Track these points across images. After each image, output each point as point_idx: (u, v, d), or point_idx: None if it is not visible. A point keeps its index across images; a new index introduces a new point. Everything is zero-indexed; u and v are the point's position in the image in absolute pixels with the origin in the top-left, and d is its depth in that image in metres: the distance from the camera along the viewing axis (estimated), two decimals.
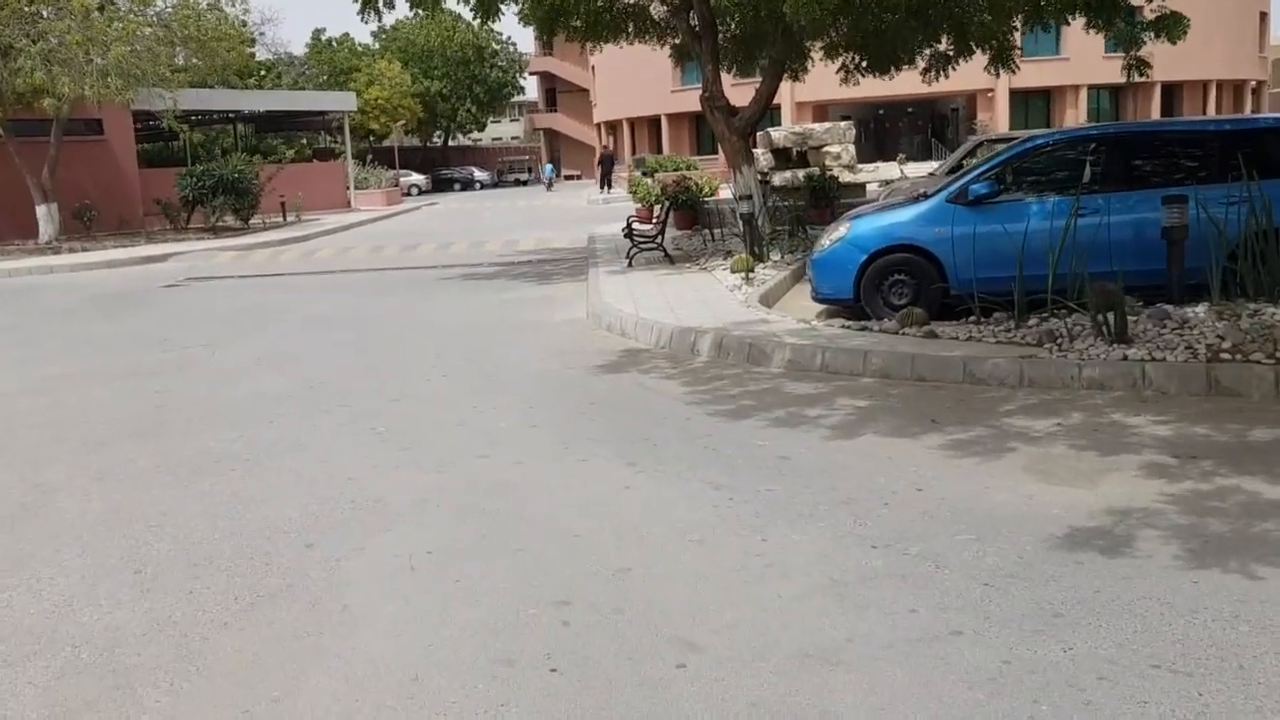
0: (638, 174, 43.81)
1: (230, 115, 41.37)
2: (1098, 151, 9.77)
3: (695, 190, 21.53)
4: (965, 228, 9.34)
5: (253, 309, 14.15)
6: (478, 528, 5.06)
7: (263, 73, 54.75)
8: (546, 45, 77.54)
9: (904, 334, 8.48)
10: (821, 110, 49.77)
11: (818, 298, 10.32)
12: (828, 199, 19.55)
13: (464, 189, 64.43)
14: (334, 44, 67.80)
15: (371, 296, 14.83)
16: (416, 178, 60.29)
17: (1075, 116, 47.93)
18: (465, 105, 70.40)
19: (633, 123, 58.85)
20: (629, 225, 15.63)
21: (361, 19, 14.85)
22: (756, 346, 8.47)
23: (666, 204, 16.97)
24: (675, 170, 46.12)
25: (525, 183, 70.10)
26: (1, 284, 19.52)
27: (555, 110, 78.33)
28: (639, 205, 24.42)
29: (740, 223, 14.58)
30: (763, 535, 4.76)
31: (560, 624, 3.98)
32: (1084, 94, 48.01)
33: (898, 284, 9.73)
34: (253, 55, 35.23)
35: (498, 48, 72.87)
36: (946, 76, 17.78)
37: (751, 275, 12.26)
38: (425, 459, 6.28)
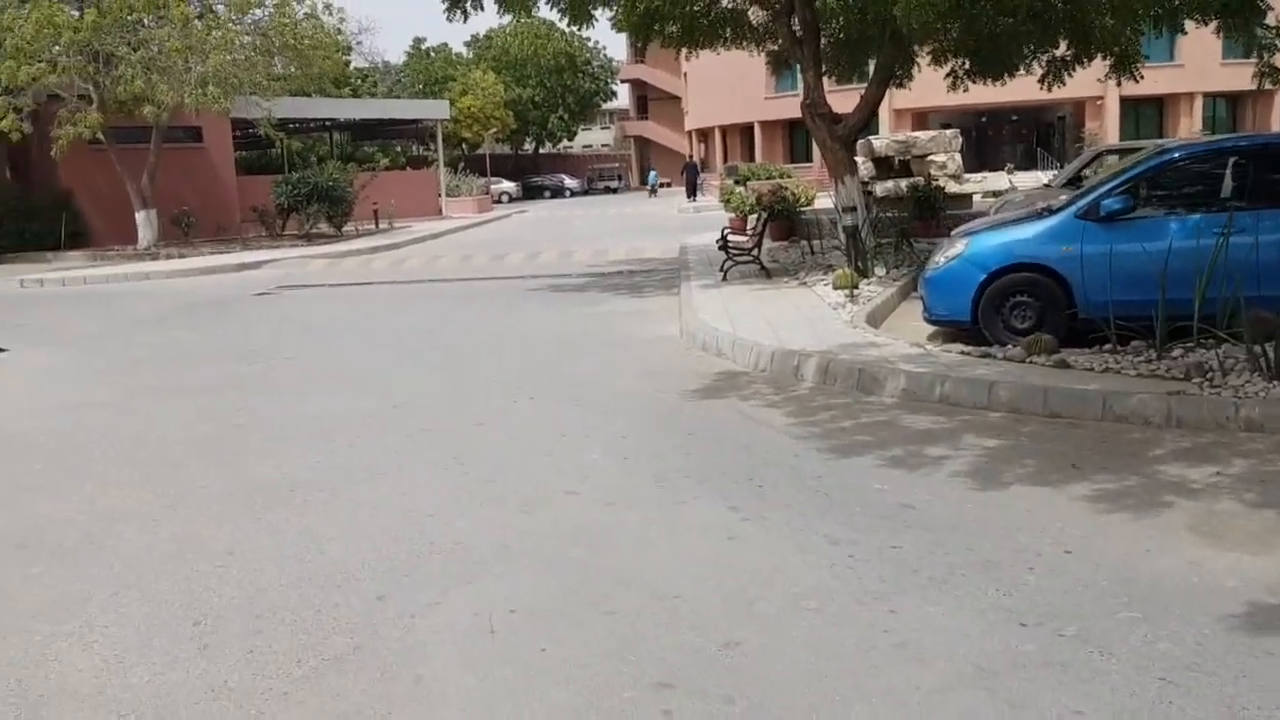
0: (729, 182, 43.30)
1: (326, 123, 41.83)
2: (1244, 164, 8.91)
3: (791, 200, 20.88)
4: (1097, 246, 8.58)
5: (340, 319, 13.92)
6: (566, 582, 4.54)
7: (358, 81, 55.42)
8: (639, 52, 77.38)
9: (1032, 363, 7.76)
10: (921, 118, 48.56)
11: (930, 319, 9.62)
12: (933, 211, 18.73)
13: (554, 196, 64.48)
14: (430, 53, 68.48)
15: (459, 307, 14.50)
16: (507, 185, 60.48)
17: (1189, 126, 45.91)
18: (557, 113, 70.52)
19: (725, 130, 58.26)
20: (723, 236, 15.04)
21: (448, 18, 14.56)
22: (867, 373, 7.83)
23: (763, 215, 16.31)
24: (768, 179, 45.66)
25: (615, 190, 69.92)
26: (99, 290, 19.71)
27: (646, 118, 78.08)
28: (732, 215, 23.85)
29: (842, 235, 13.91)
30: (891, 605, 4.15)
31: (662, 715, 3.43)
32: (1199, 102, 45.95)
33: (1020, 306, 9.00)
34: (349, 64, 35.48)
35: (590, 55, 72.89)
36: (1063, 83, 16.85)
37: (856, 292, 11.59)
38: (509, 495, 5.80)
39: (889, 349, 8.60)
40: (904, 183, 20.94)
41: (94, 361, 11.26)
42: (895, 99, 48.47)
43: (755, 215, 20.71)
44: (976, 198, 22.49)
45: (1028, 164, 43.77)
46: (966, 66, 16.03)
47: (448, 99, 50.58)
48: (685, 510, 5.39)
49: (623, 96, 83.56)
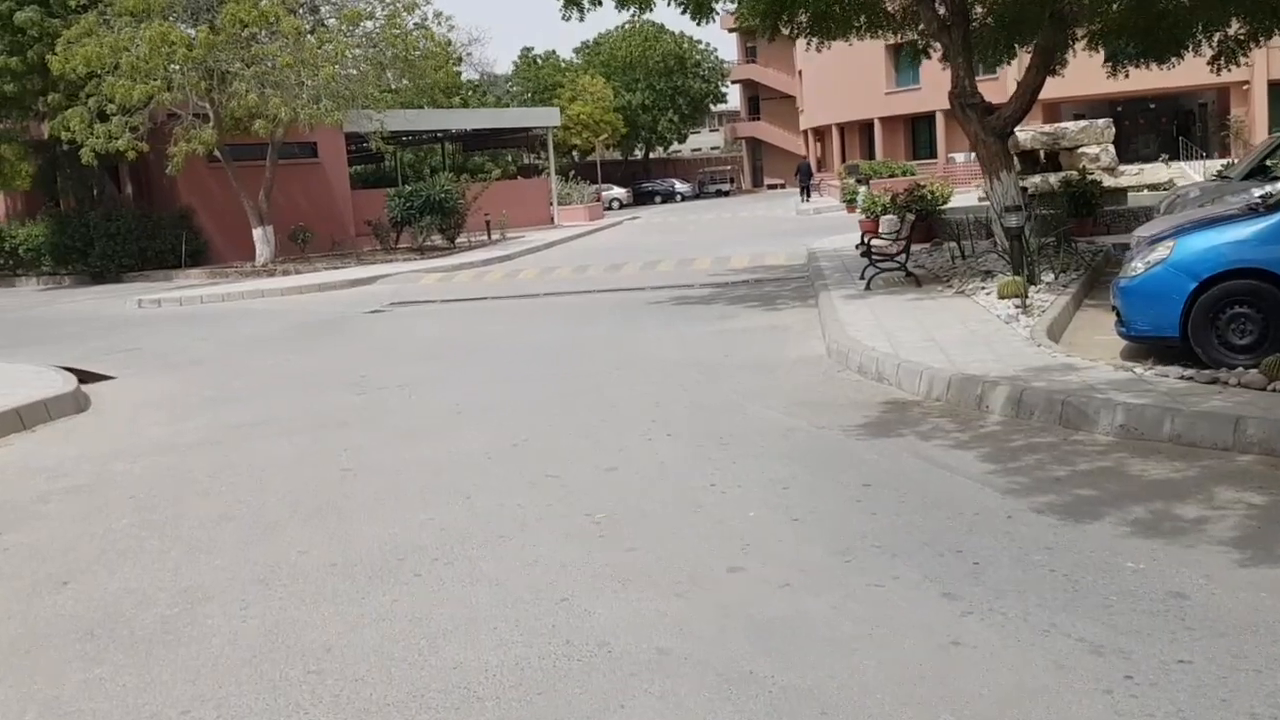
0: (851, 181, 41.71)
1: (438, 135, 41.68)
2: None
3: (930, 199, 19.47)
4: None
5: (453, 340, 13.11)
6: (749, 711, 3.47)
7: (469, 91, 55.44)
8: (749, 53, 76.18)
9: (1275, 390, 6.41)
10: (1052, 109, 46.12)
11: (1129, 335, 8.28)
12: (1090, 207, 17.17)
13: (665, 201, 63.60)
14: (539, 61, 68.34)
15: (577, 324, 13.57)
16: (617, 191, 59.80)
17: None
18: (667, 116, 69.65)
19: (843, 128, 56.56)
20: (865, 242, 13.79)
21: (564, 17, 13.69)
22: (1073, 405, 6.57)
23: (909, 217, 14.97)
24: (890, 176, 43.99)
25: (727, 193, 68.74)
26: (214, 309, 19.43)
27: (758, 118, 76.73)
28: (862, 216, 22.51)
29: (1001, 237, 12.55)
30: None
31: None
32: None
33: (1238, 319, 7.62)
34: (459, 74, 35.17)
35: (700, 57, 71.88)
36: (1238, 64, 15.18)
37: (1026, 302, 10.26)
38: (657, 570, 4.76)
39: (1090, 373, 7.31)
40: (1053, 178, 19.35)
41: (201, 391, 10.64)
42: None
43: (893, 216, 19.40)
44: (1136, 192, 20.71)
45: (1165, 155, 41.15)
46: (1131, 48, 14.46)
47: (557, 106, 50.05)
48: (886, 598, 4.27)
49: (733, 99, 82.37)
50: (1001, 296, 10.72)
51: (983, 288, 11.76)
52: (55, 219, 28.08)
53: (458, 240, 30.06)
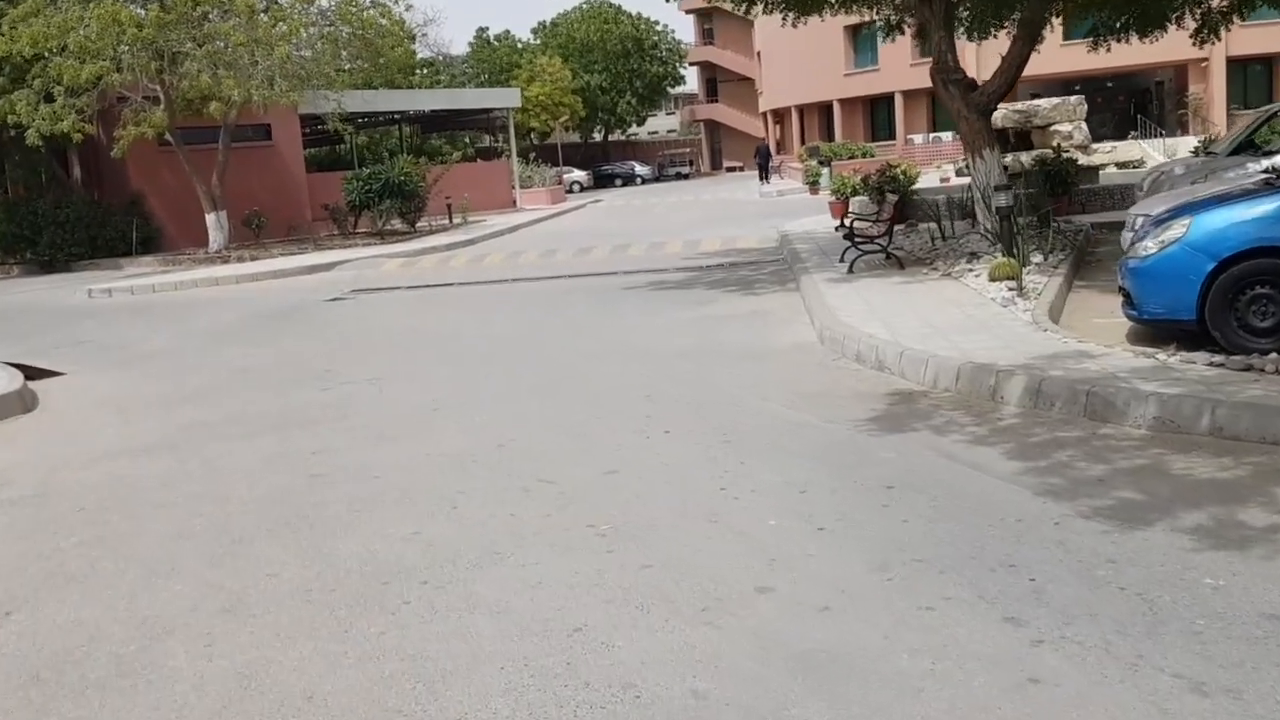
0: (813, 164, 41.33)
1: (395, 116, 40.76)
2: None
3: (903, 180, 19.09)
4: None
5: (423, 330, 12.53)
6: None
7: (423, 72, 54.40)
8: (706, 34, 75.56)
9: None
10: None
11: (1141, 317, 7.89)
12: (1065, 186, 16.88)
13: (625, 184, 62.98)
14: (494, 41, 67.29)
15: (553, 311, 13.03)
16: (578, 174, 59.10)
17: None
18: (625, 98, 68.90)
19: (802, 110, 56.20)
20: (847, 224, 13.34)
21: None
22: (1099, 396, 6.16)
23: (891, 197, 14.54)
24: (850, 158, 43.66)
25: (686, 176, 68.25)
26: (168, 298, 18.65)
27: (716, 101, 76.20)
28: (832, 198, 22.09)
29: (986, 217, 12.17)
30: None
31: None
32: None
33: (1260, 300, 7.26)
34: (414, 54, 34.28)
35: (657, 38, 71.16)
36: (1219, 38, 14.87)
37: (1020, 284, 9.87)
38: (677, 591, 4.27)
39: (1108, 360, 6.91)
40: (1025, 156, 19.03)
41: (156, 386, 9.99)
42: (983, 68, 46.02)
43: (864, 198, 19.00)
44: (1103, 170, 20.46)
45: (1121, 133, 41.16)
46: (1115, 22, 14.09)
47: (516, 87, 49.22)
48: (941, 624, 3.80)
49: (691, 81, 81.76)
50: (993, 279, 10.32)
51: (970, 269, 11.37)
52: (2, 206, 27.00)
53: (419, 224, 29.31)
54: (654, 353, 9.61)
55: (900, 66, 48.00)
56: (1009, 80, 12.47)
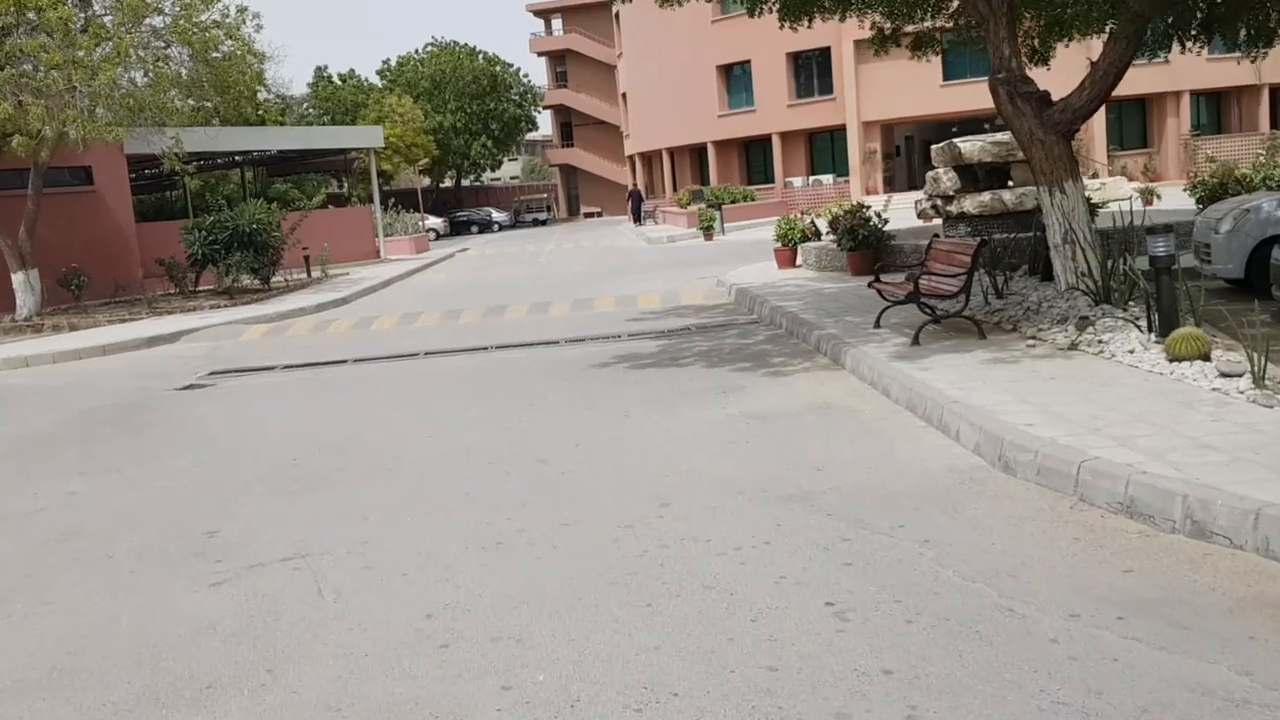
0: (702, 206, 38.70)
1: (236, 158, 36.24)
2: None
3: (877, 223, 16.37)
4: None
5: (342, 443, 8.66)
6: None
7: (268, 110, 49.70)
8: (559, 77, 72.88)
9: None
10: (888, 131, 44.73)
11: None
12: None
13: (482, 231, 59.53)
14: (340, 80, 62.83)
15: (514, 407, 9.45)
16: (434, 221, 55.30)
17: (1177, 125, 42.89)
18: (480, 140, 65.38)
19: (673, 152, 53.82)
20: (913, 281, 10.17)
21: None
22: None
23: (973, 243, 11.39)
24: (733, 202, 41.30)
25: (544, 222, 65.20)
26: None
27: (571, 145, 73.58)
28: (777, 245, 19.22)
29: (1067, 270, 9.33)
30: None
31: None
32: (1185, 101, 42.87)
33: None
34: (264, 75, 30.01)
35: (511, 80, 68.06)
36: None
37: (1260, 369, 6.84)
38: None
39: None
40: (1007, 195, 16.60)
41: None
42: (864, 107, 44.58)
43: (823, 244, 16.16)
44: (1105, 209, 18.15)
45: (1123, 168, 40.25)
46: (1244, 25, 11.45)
47: (377, 127, 45.15)
48: None
49: (544, 125, 78.94)
50: (1177, 358, 7.39)
51: (1098, 339, 8.43)
52: None
53: (274, 280, 25.13)
54: (732, 494, 6.22)
55: (778, 107, 46.18)
56: (1102, 93, 9.69)
